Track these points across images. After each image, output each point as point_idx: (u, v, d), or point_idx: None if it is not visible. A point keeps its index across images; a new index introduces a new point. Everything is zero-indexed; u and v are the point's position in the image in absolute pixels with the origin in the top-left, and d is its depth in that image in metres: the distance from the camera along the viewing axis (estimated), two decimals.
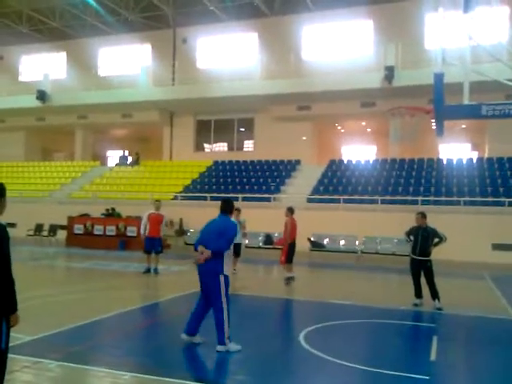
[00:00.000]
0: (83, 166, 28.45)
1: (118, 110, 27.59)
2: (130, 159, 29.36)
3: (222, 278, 5.67)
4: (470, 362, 5.96)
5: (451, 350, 6.51)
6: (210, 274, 5.68)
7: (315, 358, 5.66)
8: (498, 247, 16.65)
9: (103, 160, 32.29)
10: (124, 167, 27.85)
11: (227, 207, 6.08)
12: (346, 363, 5.48)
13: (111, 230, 19.75)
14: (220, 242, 5.65)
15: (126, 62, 29.92)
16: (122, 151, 32.21)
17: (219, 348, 5.67)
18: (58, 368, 5.05)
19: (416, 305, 9.03)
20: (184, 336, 5.92)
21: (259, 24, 26.39)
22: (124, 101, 26.48)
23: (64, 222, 20.71)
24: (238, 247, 12.61)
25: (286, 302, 9.83)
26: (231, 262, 5.84)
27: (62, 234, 20.73)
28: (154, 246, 12.38)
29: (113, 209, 21.11)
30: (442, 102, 7.84)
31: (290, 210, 11.61)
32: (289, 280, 11.41)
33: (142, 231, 12.47)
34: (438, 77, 7.82)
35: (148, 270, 12.23)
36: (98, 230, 19.94)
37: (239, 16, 26.27)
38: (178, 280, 12.19)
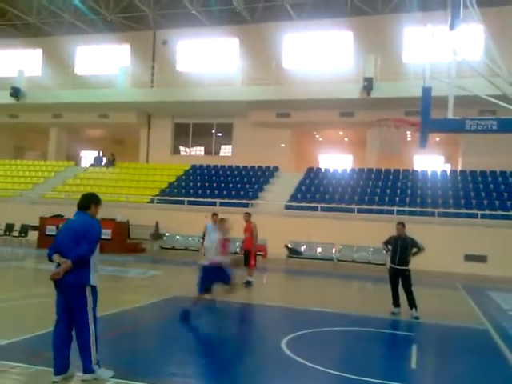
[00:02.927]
0: (57, 166, 27.79)
1: (95, 110, 27.10)
2: (104, 160, 28.86)
3: (88, 291, 4.65)
4: (449, 370, 6.05)
5: (431, 358, 6.62)
6: (74, 287, 4.61)
7: (298, 365, 5.64)
8: (469, 258, 17.08)
9: (77, 160, 31.63)
10: (99, 168, 27.34)
11: (86, 202, 4.87)
12: (329, 371, 5.49)
13: None
14: (81, 247, 4.57)
15: (104, 61, 29.45)
16: (96, 152, 31.61)
17: (85, 377, 4.62)
18: (38, 373, 4.87)
19: (394, 313, 9.14)
20: (56, 378, 4.62)
21: (240, 30, 26.46)
22: (101, 101, 26.03)
23: (36, 223, 20.17)
24: None
25: (265, 308, 9.80)
26: (98, 268, 4.81)
27: (33, 235, 20.15)
28: None
29: None
30: (428, 116, 8.02)
31: (250, 215, 12.03)
32: (249, 284, 11.58)
33: None
34: (426, 91, 8.02)
35: None
36: None
37: (221, 21, 26.28)
38: (154, 285, 12.01)
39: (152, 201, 22.35)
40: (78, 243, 4.60)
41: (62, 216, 20.42)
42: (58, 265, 4.65)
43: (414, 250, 9.17)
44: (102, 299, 9.55)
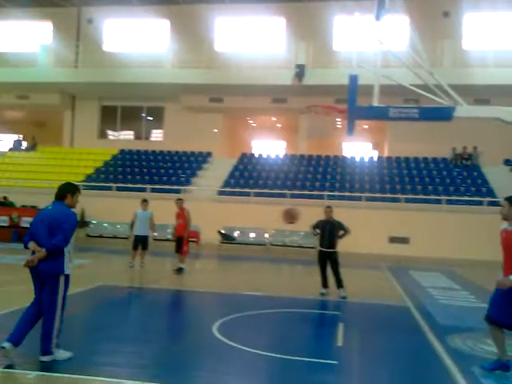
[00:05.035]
0: None
1: (13, 91, 25.21)
2: (25, 144, 27.09)
3: (61, 280, 4.84)
4: (373, 346, 6.32)
5: (356, 335, 6.86)
6: (48, 275, 4.76)
7: (229, 348, 5.65)
8: (393, 240, 18.02)
9: None
10: (18, 153, 25.66)
11: (61, 192, 4.96)
12: (258, 351, 5.53)
13: (3, 220, 18.23)
14: (56, 237, 4.69)
15: (23, 38, 27.38)
16: (16, 135, 29.57)
17: (43, 358, 4.75)
18: None
19: (323, 294, 9.41)
20: (7, 345, 4.70)
21: (171, 11, 25.63)
22: (20, 81, 24.23)
23: None
24: (145, 240, 12.20)
25: (197, 294, 9.71)
26: (71, 257, 4.97)
27: None
28: None
29: (5, 197, 19.34)
30: (354, 103, 8.21)
31: (183, 201, 11.94)
32: (181, 270, 11.49)
33: None
34: (353, 79, 8.19)
35: None
36: None
37: (150, 1, 25.32)
38: (80, 274, 11.47)
39: None
40: (52, 233, 4.71)
41: None
42: (34, 252, 4.73)
43: (341, 232, 9.45)
44: (24, 290, 9.02)
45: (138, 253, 12.15)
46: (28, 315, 4.89)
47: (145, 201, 12.38)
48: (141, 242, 12.11)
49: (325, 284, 9.52)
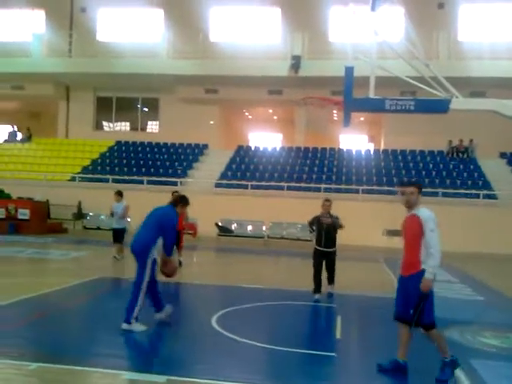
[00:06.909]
0: None
1: (7, 81, 24.91)
2: (20, 135, 26.89)
3: (149, 262, 5.94)
4: (371, 338, 6.38)
5: (354, 328, 6.92)
6: (138, 255, 6.03)
7: (228, 340, 5.69)
8: (390, 232, 18.05)
9: None
10: (13, 144, 25.46)
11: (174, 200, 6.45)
12: (257, 344, 5.57)
13: (0, 212, 18.05)
14: (167, 239, 6.12)
15: (15, 27, 26.99)
16: (10, 126, 29.32)
17: (124, 326, 5.78)
18: None
19: (317, 301, 8.24)
20: (157, 315, 6.25)
21: (165, 0, 25.34)
22: (14, 71, 23.94)
23: None
24: (118, 232, 11.99)
25: (195, 287, 9.73)
26: (161, 248, 6.14)
27: None
28: None
29: (0, 190, 19.25)
30: (351, 95, 8.18)
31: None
32: (179, 263, 11.42)
33: None
34: (349, 70, 8.14)
35: None
36: None
37: None
38: (78, 266, 11.49)
39: (73, 179, 21.24)
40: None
41: None
42: (134, 244, 6.03)
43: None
44: (24, 282, 9.01)
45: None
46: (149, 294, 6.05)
47: (116, 193, 12.15)
48: (117, 235, 11.98)
49: (318, 289, 8.31)
